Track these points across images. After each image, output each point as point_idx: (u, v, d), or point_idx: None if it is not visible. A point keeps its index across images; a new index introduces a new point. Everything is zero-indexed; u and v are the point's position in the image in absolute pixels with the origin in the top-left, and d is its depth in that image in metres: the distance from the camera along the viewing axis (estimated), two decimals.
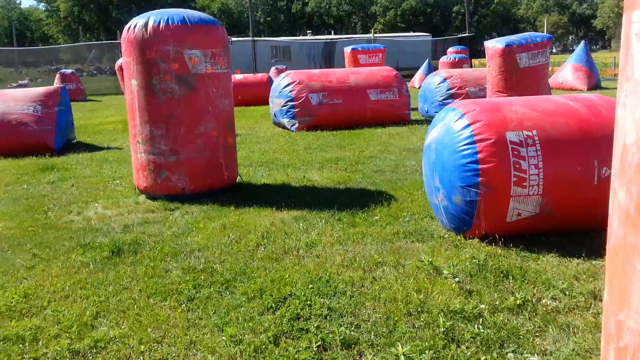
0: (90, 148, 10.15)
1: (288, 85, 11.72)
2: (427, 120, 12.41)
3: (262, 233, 4.72)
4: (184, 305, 3.39)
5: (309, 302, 3.28)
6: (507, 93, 9.39)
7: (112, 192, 6.66)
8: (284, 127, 11.94)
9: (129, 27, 5.83)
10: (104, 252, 4.38)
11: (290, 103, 11.55)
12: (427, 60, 26.67)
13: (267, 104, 18.54)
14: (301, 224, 4.93)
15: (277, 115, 12.16)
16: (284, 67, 27.02)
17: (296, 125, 11.49)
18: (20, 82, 37.24)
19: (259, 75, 19.26)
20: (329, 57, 33.69)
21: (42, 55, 42.67)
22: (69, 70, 24.35)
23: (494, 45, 9.48)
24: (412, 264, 3.81)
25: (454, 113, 4.36)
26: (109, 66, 40.75)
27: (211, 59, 5.90)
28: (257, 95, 18.32)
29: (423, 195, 5.71)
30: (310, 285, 3.50)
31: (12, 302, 3.50)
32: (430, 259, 3.73)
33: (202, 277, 3.80)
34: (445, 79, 12.71)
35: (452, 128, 4.29)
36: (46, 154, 9.42)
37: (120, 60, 15.39)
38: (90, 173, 7.86)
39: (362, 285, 3.51)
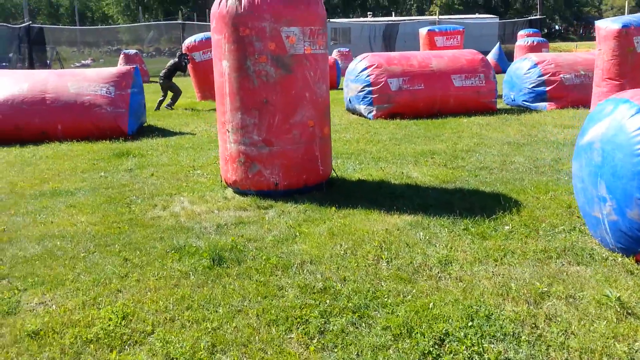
0: (163, 133, 9.73)
1: (365, 69, 10.96)
2: (517, 110, 11.45)
3: (379, 243, 4.06)
4: (315, 340, 2.77)
5: (476, 347, 2.60)
6: (620, 80, 8.36)
7: (196, 184, 6.14)
8: (360, 114, 11.23)
9: (221, 0, 5.23)
10: (204, 259, 3.82)
11: (368, 88, 10.82)
12: (497, 44, 25.29)
13: (333, 88, 17.97)
14: (421, 233, 4.24)
15: (352, 101, 11.45)
16: (347, 49, 26.25)
17: (374, 112, 10.76)
18: (82, 61, 37.86)
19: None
20: (389, 39, 32.58)
21: (102, 36, 43.13)
22: (132, 51, 24.34)
23: (607, 25, 8.44)
24: (589, 297, 3.07)
25: (628, 106, 3.54)
26: (168, 47, 40.93)
27: (309, 37, 5.24)
28: None
29: (554, 201, 4.91)
30: (470, 323, 2.82)
31: (110, 326, 2.97)
32: (617, 294, 2.97)
33: (326, 300, 3.18)
34: (536, 64, 11.66)
35: (626, 125, 3.48)
36: (120, 139, 9.04)
37: (188, 40, 14.98)
38: (167, 161, 7.39)
39: (536, 326, 2.80)
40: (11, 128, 8.86)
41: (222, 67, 5.28)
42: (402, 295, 3.21)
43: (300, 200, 5.21)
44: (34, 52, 28.10)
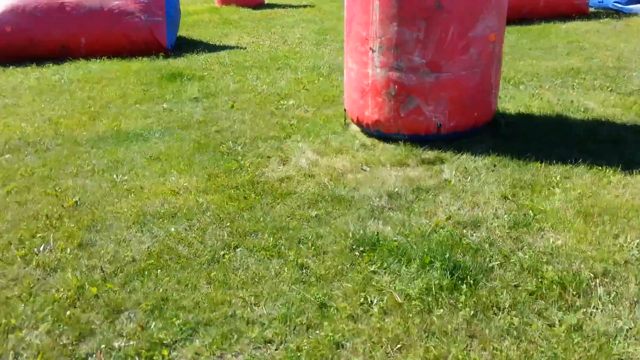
0: (205, 47, 7.96)
1: None
2: (612, 14, 9.70)
3: None
4: None
5: None
6: None
7: (300, 120, 4.60)
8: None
9: None
10: (428, 269, 2.40)
11: None
12: None
13: None
14: None
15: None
16: None
17: None
18: None
19: None
20: None
21: None
22: None
23: None
24: None
25: None
26: None
27: None
28: None
29: None
30: None
31: None
32: None
33: None
34: None
35: None
36: (159, 55, 7.31)
37: None
38: (238, 86, 5.77)
39: None
40: (25, 42, 7.07)
41: None
42: None
43: (474, 149, 3.74)
44: None
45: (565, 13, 9.38)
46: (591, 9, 10.50)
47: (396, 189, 3.25)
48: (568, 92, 5.04)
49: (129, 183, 3.50)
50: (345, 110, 4.35)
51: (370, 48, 3.79)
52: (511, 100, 4.88)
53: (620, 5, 10.00)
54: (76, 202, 3.22)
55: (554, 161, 3.48)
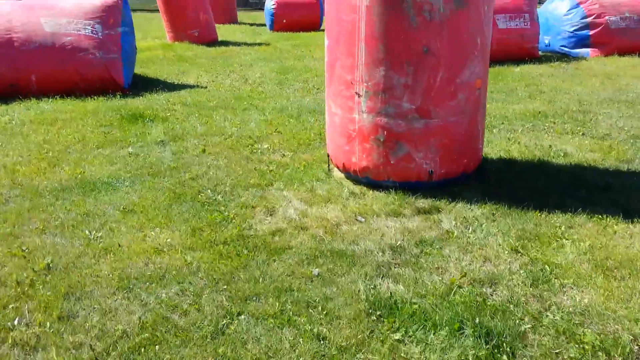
0: (164, 85, 7.68)
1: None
2: (560, 57, 10.10)
3: None
4: None
5: None
6: None
7: (279, 166, 4.41)
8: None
9: None
10: (457, 336, 2.23)
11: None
12: None
13: (315, 29, 15.96)
14: None
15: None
16: None
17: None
18: None
19: None
20: None
21: None
22: None
23: None
24: None
25: None
26: None
27: None
28: (306, 18, 15.64)
29: None
30: None
31: None
32: None
33: None
34: (578, 4, 10.31)
35: None
36: (116, 94, 6.97)
37: None
38: (205, 128, 5.53)
39: None
40: None
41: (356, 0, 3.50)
42: None
43: (468, 197, 3.65)
44: None
45: (516, 55, 9.69)
46: (540, 53, 10.93)
47: (398, 242, 3.09)
48: (542, 136, 5.09)
49: (104, 240, 3.18)
50: (328, 155, 4.19)
51: (356, 92, 3.68)
52: (489, 144, 4.86)
53: (567, 49, 10.46)
54: (48, 264, 2.87)
55: (553, 210, 3.42)
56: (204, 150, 4.83)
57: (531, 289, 2.56)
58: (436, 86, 3.54)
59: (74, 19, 7.04)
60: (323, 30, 15.77)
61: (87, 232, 3.28)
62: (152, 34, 14.12)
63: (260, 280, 2.73)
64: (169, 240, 3.17)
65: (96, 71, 6.94)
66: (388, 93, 3.57)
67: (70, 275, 2.77)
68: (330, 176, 4.14)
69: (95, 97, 6.78)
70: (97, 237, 3.22)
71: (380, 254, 2.98)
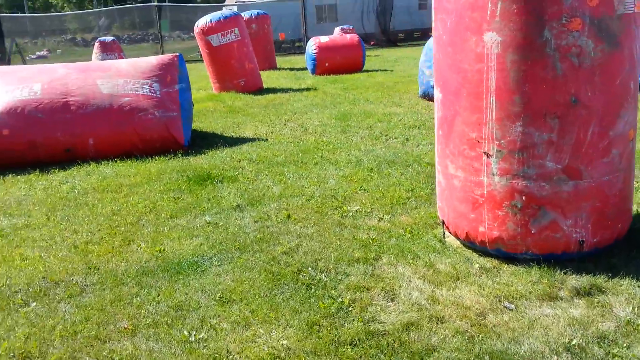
0: (223, 140, 7.29)
1: None
2: None
3: None
4: None
5: None
6: None
7: (379, 233, 3.87)
8: None
9: None
10: None
11: None
12: None
13: (357, 70, 15.62)
14: None
15: None
16: (350, 26, 23.88)
17: None
18: (38, 53, 34.31)
19: (348, 37, 16.14)
20: (385, 12, 29.97)
21: (46, 24, 39.00)
22: (109, 38, 21.29)
23: None
24: None
25: None
26: (125, 34, 37.12)
27: None
28: (349, 60, 15.35)
29: None
30: None
31: None
32: None
33: None
34: None
35: None
36: (178, 153, 6.60)
37: (202, 21, 12.37)
38: (282, 189, 5.04)
39: None
40: (24, 146, 6.29)
41: (483, 45, 3.00)
42: None
43: (631, 270, 3.03)
44: None
45: None
46: None
47: (572, 340, 2.48)
48: None
49: (209, 344, 2.66)
50: (443, 222, 3.63)
51: (485, 152, 3.14)
52: None
53: None
54: None
55: None
56: (288, 216, 4.33)
57: None
58: (587, 141, 2.98)
59: (131, 79, 6.75)
60: (366, 71, 15.48)
61: (185, 332, 2.77)
62: (196, 85, 13.92)
63: None
64: (284, 342, 2.63)
65: (156, 131, 6.60)
66: (527, 152, 3.02)
67: None
68: (447, 246, 3.58)
69: (157, 158, 6.41)
70: (198, 339, 2.71)
71: (555, 357, 2.38)
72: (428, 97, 9.64)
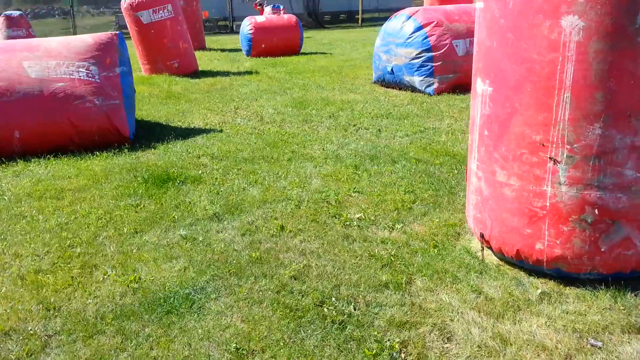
0: (174, 132, 6.43)
1: (420, 28, 8.31)
2: None
3: None
4: None
5: None
6: None
7: (398, 247, 3.31)
8: (408, 88, 8.60)
9: None
10: None
11: (427, 54, 8.21)
12: None
13: (295, 53, 14.90)
14: None
15: (397, 71, 8.75)
16: (281, 6, 22.97)
17: (435, 85, 8.22)
18: None
19: (286, 17, 15.33)
20: None
21: None
22: (16, 12, 19.20)
23: None
24: None
25: None
26: (29, 8, 34.09)
27: None
28: (286, 42, 14.62)
29: None
30: None
31: None
32: None
33: None
34: None
35: None
36: (122, 147, 5.70)
37: None
38: (261, 192, 4.36)
39: None
40: None
41: (560, 31, 2.47)
42: None
43: None
44: None
45: None
46: None
47: None
48: None
49: None
50: (482, 235, 3.11)
51: (552, 158, 2.63)
52: None
53: None
54: None
55: None
56: (281, 228, 3.67)
57: None
58: None
59: (64, 61, 5.73)
60: (304, 54, 14.81)
61: None
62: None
63: None
64: None
65: (95, 121, 5.64)
66: (604, 158, 2.55)
67: None
68: (487, 265, 3.07)
69: (98, 154, 5.49)
70: None
71: None
72: (384, 83, 9.15)
